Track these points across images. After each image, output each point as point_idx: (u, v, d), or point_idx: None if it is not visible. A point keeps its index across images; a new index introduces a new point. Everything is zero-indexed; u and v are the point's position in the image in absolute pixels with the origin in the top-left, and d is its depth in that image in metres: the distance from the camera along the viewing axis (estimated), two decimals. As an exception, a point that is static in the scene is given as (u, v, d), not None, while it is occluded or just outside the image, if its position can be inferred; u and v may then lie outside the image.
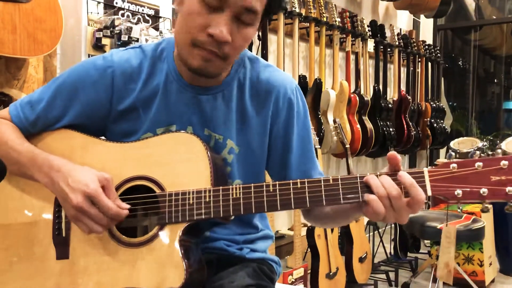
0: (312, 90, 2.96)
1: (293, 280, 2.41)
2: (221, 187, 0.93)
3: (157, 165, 0.97)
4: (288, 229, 3.31)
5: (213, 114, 1.05)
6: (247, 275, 1.04)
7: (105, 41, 1.96)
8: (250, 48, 2.74)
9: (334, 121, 3.04)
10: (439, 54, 4.82)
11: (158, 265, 0.92)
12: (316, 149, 2.67)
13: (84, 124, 1.05)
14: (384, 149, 3.64)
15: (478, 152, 0.86)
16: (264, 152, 1.09)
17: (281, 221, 3.34)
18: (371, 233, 3.30)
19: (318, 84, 2.96)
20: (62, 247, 0.97)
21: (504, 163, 0.81)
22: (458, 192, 0.82)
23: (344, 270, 2.77)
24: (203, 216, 0.92)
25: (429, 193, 0.83)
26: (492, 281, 3.16)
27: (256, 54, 2.84)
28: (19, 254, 1.00)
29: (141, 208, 0.98)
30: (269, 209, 0.90)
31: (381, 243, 3.38)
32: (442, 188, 0.83)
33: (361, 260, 2.92)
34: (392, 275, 3.14)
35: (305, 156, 1.09)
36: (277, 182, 0.90)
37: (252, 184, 0.92)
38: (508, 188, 0.80)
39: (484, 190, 0.81)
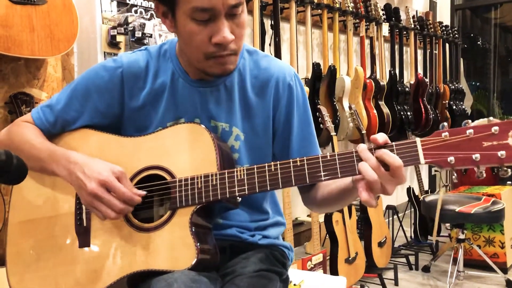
0: (327, 77, 2.96)
1: (312, 265, 2.45)
2: (226, 171, 0.99)
3: (167, 154, 1.04)
4: (307, 215, 3.34)
5: (218, 105, 1.11)
6: (259, 260, 1.09)
7: (120, 38, 2.01)
8: (263, 37, 2.76)
9: (350, 108, 3.04)
10: (457, 35, 4.74)
11: (171, 246, 0.98)
12: (331, 136, 2.69)
13: (100, 123, 1.13)
14: (402, 133, 3.63)
15: (470, 121, 0.88)
16: (269, 137, 1.14)
17: (300, 208, 3.38)
18: (391, 218, 3.31)
19: (333, 71, 2.97)
20: (83, 236, 1.05)
21: (495, 128, 0.82)
22: (451, 159, 0.84)
23: (363, 255, 2.80)
24: (211, 198, 0.98)
25: (422, 161, 0.85)
26: (514, 262, 3.15)
27: (269, 43, 2.86)
28: (46, 245, 1.08)
29: (154, 195, 1.04)
30: (271, 187, 0.95)
31: (401, 228, 3.40)
32: (435, 156, 0.85)
33: (380, 244, 2.94)
34: (412, 259, 3.16)
35: (306, 139, 1.15)
36: (278, 162, 0.95)
37: (255, 166, 0.97)
38: (500, 152, 0.81)
39: (476, 156, 0.82)
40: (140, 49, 1.16)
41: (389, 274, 2.91)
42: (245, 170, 0.97)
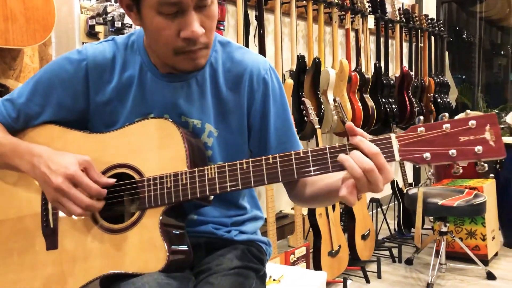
0: (311, 69, 2.94)
1: (295, 259, 2.45)
2: (196, 169, 0.95)
3: (135, 152, 1.01)
4: (291, 208, 3.33)
5: (189, 100, 1.07)
6: (235, 257, 1.07)
7: (99, 28, 1.96)
8: (247, 29, 2.72)
9: (334, 100, 3.03)
10: (442, 28, 4.74)
11: (141, 249, 0.95)
12: (315, 129, 2.68)
13: (65, 118, 1.08)
14: (387, 126, 3.63)
15: (447, 115, 0.85)
16: (243, 133, 1.11)
17: (284, 201, 3.37)
18: (374, 211, 3.32)
19: (317, 63, 2.94)
20: (51, 238, 1.01)
21: (472, 122, 0.80)
22: (427, 155, 0.82)
23: (347, 248, 2.80)
24: (181, 198, 0.95)
25: (397, 158, 0.83)
26: (495, 254, 3.18)
27: (254, 35, 2.83)
28: (11, 248, 1.03)
29: (122, 195, 1.01)
30: (243, 186, 0.92)
31: (384, 220, 3.41)
32: (411, 152, 0.82)
33: (363, 237, 2.95)
34: (395, 251, 3.17)
35: (284, 135, 1.11)
36: (250, 160, 0.92)
37: (226, 163, 0.94)
38: (477, 148, 0.79)
39: (453, 151, 0.80)
40: (106, 40, 1.11)
41: (372, 267, 2.92)
42: (216, 169, 0.94)
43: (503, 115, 5.51)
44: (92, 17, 1.92)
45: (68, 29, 1.96)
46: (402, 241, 3.42)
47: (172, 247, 0.95)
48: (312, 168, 0.88)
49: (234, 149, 1.11)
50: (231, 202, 1.16)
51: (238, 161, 0.93)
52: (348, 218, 2.92)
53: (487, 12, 6.56)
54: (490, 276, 2.81)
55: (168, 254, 0.93)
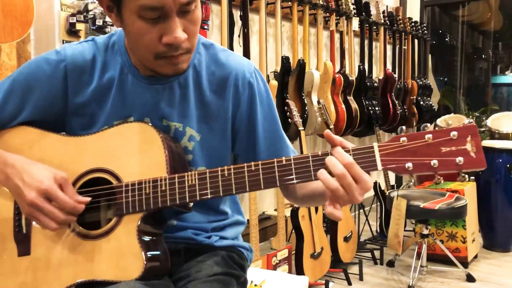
0: (296, 71, 2.93)
1: (277, 261, 2.44)
2: (176, 175, 0.93)
3: (113, 156, 0.98)
4: (274, 209, 3.32)
5: (170, 104, 1.04)
6: (215, 263, 1.05)
7: (80, 26, 1.92)
8: (231, 29, 2.70)
9: (318, 102, 3.02)
10: (426, 31, 4.79)
11: (117, 256, 0.92)
12: (299, 130, 2.67)
13: (42, 120, 1.05)
14: (370, 128, 3.65)
15: (429, 125, 0.88)
16: (227, 138, 1.08)
17: (268, 202, 3.36)
18: (357, 212, 3.33)
19: (302, 65, 2.94)
20: (23, 244, 0.98)
21: (453, 133, 0.81)
22: (409, 165, 0.82)
23: (329, 250, 2.80)
24: (159, 205, 0.93)
25: (379, 167, 0.83)
26: (475, 256, 3.22)
27: (238, 35, 2.81)
28: None
29: (98, 201, 0.98)
30: (224, 193, 0.91)
31: (367, 222, 3.42)
32: (393, 162, 0.83)
33: (346, 239, 2.95)
34: (377, 253, 3.18)
35: (273, 138, 1.09)
36: (232, 166, 0.90)
37: (208, 170, 0.92)
38: (458, 158, 0.80)
39: (434, 162, 0.81)
40: (86, 40, 1.08)
41: (354, 269, 2.92)
42: (196, 175, 0.92)
43: (483, 118, 5.59)
44: (73, 15, 1.88)
45: (47, 27, 1.91)
46: (384, 242, 3.43)
47: (149, 254, 0.92)
48: (294, 176, 0.87)
49: (217, 154, 1.09)
50: (212, 207, 1.14)
51: (219, 168, 0.91)
52: (330, 220, 2.92)
53: (469, 16, 6.64)
54: (470, 279, 2.84)
55: (145, 262, 0.90)
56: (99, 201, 0.99)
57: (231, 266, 1.09)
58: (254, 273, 1.32)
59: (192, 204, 0.98)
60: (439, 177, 0.83)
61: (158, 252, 0.97)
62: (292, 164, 0.87)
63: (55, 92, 1.03)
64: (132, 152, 0.97)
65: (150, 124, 0.99)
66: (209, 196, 0.92)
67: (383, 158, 0.83)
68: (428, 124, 0.87)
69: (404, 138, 0.83)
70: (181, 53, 0.94)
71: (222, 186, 0.91)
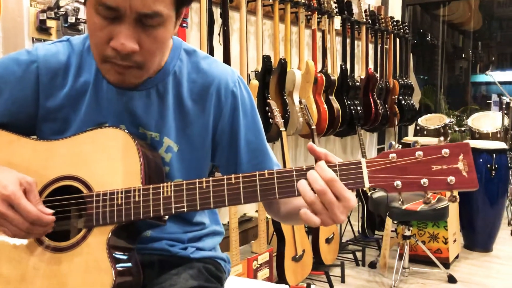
0: (277, 70, 2.88)
1: (258, 265, 2.39)
2: (151, 186, 0.87)
3: (85, 163, 0.92)
4: (255, 211, 3.27)
5: (147, 111, 0.98)
6: (191, 276, 0.99)
7: (51, 23, 1.83)
8: (211, 27, 2.63)
9: (300, 102, 2.98)
10: (407, 30, 4.79)
11: (85, 270, 0.86)
12: (281, 131, 2.62)
13: (11, 123, 0.98)
14: (352, 128, 3.62)
15: (419, 141, 0.84)
16: (207, 149, 1.03)
17: (249, 204, 3.30)
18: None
19: (283, 64, 2.89)
20: None
21: (445, 151, 0.77)
22: (398, 183, 0.78)
23: (311, 252, 2.76)
24: (132, 218, 0.87)
25: (367, 184, 0.79)
26: (456, 257, 3.22)
27: (219, 33, 2.74)
28: None
29: (67, 210, 0.92)
30: (201, 207, 0.85)
31: (348, 222, 3.39)
32: (381, 179, 0.79)
33: (328, 241, 2.92)
34: (359, 255, 3.16)
35: (257, 150, 1.04)
36: (210, 178, 0.85)
37: (184, 181, 0.86)
38: (449, 178, 0.76)
39: (424, 181, 0.77)
40: (60, 40, 1.01)
41: (336, 271, 2.89)
42: (172, 187, 0.86)
43: (464, 117, 5.63)
44: (43, 11, 1.79)
45: (16, 23, 1.82)
46: (365, 243, 3.42)
47: (119, 269, 0.86)
48: (277, 191, 0.82)
49: (195, 166, 1.03)
50: (189, 217, 1.08)
51: (197, 180, 0.86)
52: (312, 222, 2.88)
53: (450, 16, 6.69)
54: (451, 280, 2.83)
55: (114, 277, 0.85)
56: (68, 211, 0.92)
57: (208, 279, 1.03)
58: (232, 283, 1.27)
59: (167, 217, 0.92)
60: (428, 196, 0.79)
61: (130, 266, 0.91)
62: (275, 178, 0.82)
63: (25, 95, 0.97)
64: (105, 160, 0.91)
65: (125, 130, 0.93)
66: (185, 210, 0.86)
67: (371, 174, 0.79)
68: (419, 141, 0.83)
69: (394, 155, 0.79)
70: (128, 65, 0.87)
71: (200, 200, 0.85)
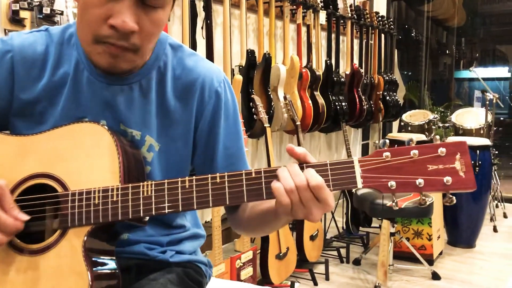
0: (261, 65, 2.83)
1: (241, 264, 2.34)
2: (130, 185, 0.82)
3: (60, 160, 0.86)
4: (239, 208, 3.23)
5: (129, 107, 0.93)
6: (170, 281, 0.95)
7: (24, 14, 1.75)
8: (194, 20, 2.57)
9: (285, 98, 2.94)
10: (392, 26, 4.77)
11: (59, 275, 0.81)
12: (265, 127, 2.58)
13: None
14: (337, 124, 3.60)
15: (414, 138, 0.80)
16: (189, 149, 0.98)
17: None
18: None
19: (267, 59, 2.84)
20: None
21: (441, 150, 0.73)
22: (392, 183, 0.74)
23: (295, 250, 2.73)
24: (109, 218, 0.82)
25: (360, 185, 0.75)
26: (440, 253, 3.22)
27: (202, 26, 2.68)
28: None
29: (41, 210, 0.86)
30: (183, 208, 0.80)
31: (333, 218, 3.37)
32: (374, 180, 0.75)
33: (312, 238, 2.89)
34: (343, 252, 3.14)
35: (234, 156, 0.99)
36: (194, 177, 0.80)
37: (166, 181, 0.81)
38: (446, 178, 0.73)
39: (420, 181, 0.73)
40: (39, 30, 0.95)
41: (320, 268, 2.87)
42: (153, 186, 0.81)
43: (448, 113, 5.66)
44: (16, 1, 1.71)
45: (-13, 14, 1.73)
46: (350, 240, 3.40)
47: (96, 273, 0.82)
48: (264, 191, 0.78)
49: (177, 167, 0.98)
50: (168, 220, 1.03)
51: (180, 179, 0.81)
52: (296, 220, 2.84)
53: (434, 12, 6.71)
54: (435, 276, 2.83)
55: (90, 282, 0.80)
56: (42, 211, 0.87)
57: (187, 284, 0.99)
58: (214, 285, 1.22)
59: (147, 218, 0.87)
60: (424, 197, 0.76)
61: (107, 270, 0.86)
62: (263, 178, 0.78)
63: None
64: (82, 157, 0.86)
65: (103, 125, 0.88)
66: (166, 211, 0.81)
67: (364, 174, 0.75)
68: (414, 138, 0.79)
69: (388, 153, 0.75)
70: (124, 45, 0.82)
71: (182, 200, 0.80)
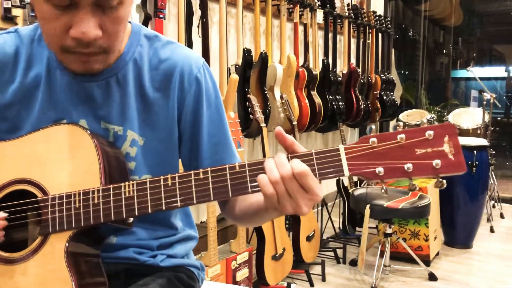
0: (258, 64, 2.81)
1: (237, 265, 2.32)
2: (111, 186, 0.80)
3: (39, 164, 0.84)
4: (235, 208, 3.21)
5: (107, 103, 0.90)
6: (161, 287, 0.92)
7: (16, 12, 1.72)
8: (190, 19, 2.54)
9: (281, 97, 2.91)
10: (389, 25, 4.76)
11: (42, 283, 0.79)
12: (261, 127, 2.55)
13: None
14: (334, 123, 3.58)
15: (401, 124, 0.78)
16: (173, 141, 0.95)
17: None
18: (319, 208, 3.26)
19: (264, 58, 2.81)
20: None
21: (429, 133, 0.71)
22: (380, 169, 0.72)
23: (292, 250, 2.71)
24: (91, 221, 0.80)
25: (346, 173, 0.73)
26: (437, 254, 3.20)
27: (198, 25, 2.65)
28: None
29: (21, 217, 0.84)
30: (167, 206, 0.78)
31: (329, 219, 3.35)
32: (361, 167, 0.73)
33: (308, 238, 2.87)
34: (340, 252, 3.12)
35: (219, 144, 0.97)
36: (176, 175, 0.78)
37: (148, 179, 0.79)
38: (435, 162, 0.71)
39: (408, 166, 0.71)
40: (7, 31, 0.92)
41: (317, 269, 2.85)
42: (135, 185, 0.79)
43: (445, 113, 5.65)
44: (8, -1, 1.68)
45: (-21, 12, 1.70)
46: (346, 240, 3.38)
47: (81, 280, 0.79)
48: (249, 185, 0.76)
49: (163, 160, 0.95)
50: (160, 221, 1.00)
51: (162, 177, 0.79)
52: (292, 220, 2.83)
53: (431, 11, 6.70)
54: (432, 277, 2.82)
55: None
56: (23, 218, 0.84)
57: (179, 288, 0.96)
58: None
59: (132, 219, 0.85)
60: (413, 183, 0.74)
61: (93, 277, 0.84)
62: (247, 171, 0.76)
63: None
64: (61, 160, 0.84)
65: (81, 126, 0.85)
66: (149, 211, 0.79)
67: (351, 162, 0.73)
68: (401, 124, 0.77)
69: (374, 139, 0.73)
70: (92, 51, 0.80)
71: (165, 198, 0.78)
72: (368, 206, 2.67)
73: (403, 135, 0.72)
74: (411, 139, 0.72)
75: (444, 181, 0.74)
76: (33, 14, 1.74)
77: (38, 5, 0.77)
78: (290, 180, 0.72)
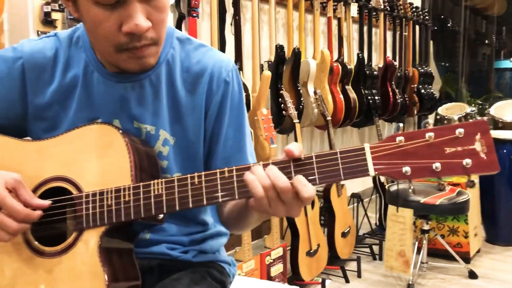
0: (291, 60, 2.80)
1: (271, 260, 2.34)
2: (141, 184, 0.83)
3: (73, 163, 0.88)
4: (270, 204, 3.22)
5: (141, 103, 0.94)
6: (193, 282, 0.95)
7: (56, 16, 1.79)
8: (223, 16, 2.56)
9: (315, 93, 2.90)
10: (427, 17, 4.63)
11: (76, 276, 0.83)
12: (294, 123, 2.55)
13: (1, 126, 0.95)
14: (370, 118, 3.53)
15: (430, 121, 0.76)
16: (201, 139, 0.98)
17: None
18: (355, 205, 3.23)
19: (297, 53, 2.80)
20: None
21: (459, 131, 0.69)
22: (406, 169, 0.71)
23: (326, 246, 2.70)
24: (122, 218, 0.83)
25: (372, 172, 0.72)
26: (478, 251, 3.12)
27: (231, 23, 2.67)
28: None
29: (57, 213, 0.88)
30: (194, 204, 0.80)
31: (365, 215, 3.31)
32: (388, 166, 0.72)
33: (344, 235, 2.85)
34: (376, 248, 3.09)
35: (235, 146, 0.98)
36: (202, 173, 0.80)
37: (176, 177, 0.81)
38: (465, 161, 0.68)
39: (437, 165, 0.69)
40: (48, 35, 0.97)
41: (352, 265, 2.83)
42: (163, 184, 0.81)
43: (486, 106, 5.46)
44: (47, 3, 1.75)
45: (21, 16, 1.78)
46: (382, 236, 3.33)
47: (114, 273, 0.82)
48: (236, 190, 0.78)
49: (192, 158, 0.98)
50: (190, 217, 1.03)
51: (189, 175, 0.81)
52: (328, 216, 2.81)
53: (472, 1, 6.47)
54: (472, 275, 2.74)
55: (107, 282, 0.81)
56: (60, 214, 0.88)
57: (210, 284, 0.99)
58: (238, 284, 1.22)
59: (162, 216, 0.87)
60: (442, 182, 0.72)
61: (125, 271, 0.87)
62: (234, 176, 0.78)
63: (12, 92, 0.94)
64: (94, 158, 0.87)
65: (113, 125, 0.89)
66: (177, 208, 0.81)
67: (376, 161, 0.72)
68: (430, 121, 0.75)
69: (401, 138, 0.71)
70: (145, 44, 0.83)
71: (192, 196, 0.80)
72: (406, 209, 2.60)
73: (431, 133, 0.70)
74: (440, 137, 0.70)
75: (476, 181, 0.72)
76: (72, 17, 1.81)
77: (87, 11, 0.81)
78: (287, 192, 0.74)
